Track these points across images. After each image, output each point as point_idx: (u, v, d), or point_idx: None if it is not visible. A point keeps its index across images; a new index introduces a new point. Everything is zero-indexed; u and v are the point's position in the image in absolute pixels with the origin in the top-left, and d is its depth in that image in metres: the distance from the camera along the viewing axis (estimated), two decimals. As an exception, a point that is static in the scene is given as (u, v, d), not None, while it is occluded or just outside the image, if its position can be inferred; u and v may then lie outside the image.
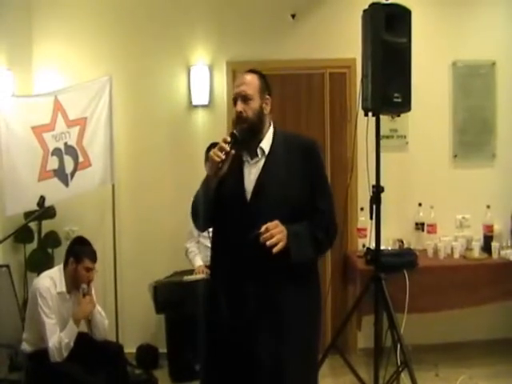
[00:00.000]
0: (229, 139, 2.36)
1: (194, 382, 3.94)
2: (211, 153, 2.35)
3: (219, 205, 2.41)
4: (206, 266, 3.96)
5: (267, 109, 2.53)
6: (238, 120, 2.46)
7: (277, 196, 2.38)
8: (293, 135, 2.63)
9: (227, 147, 2.33)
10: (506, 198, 4.67)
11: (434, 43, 4.69)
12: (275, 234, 2.25)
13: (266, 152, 2.47)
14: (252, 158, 2.47)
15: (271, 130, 2.54)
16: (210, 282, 2.61)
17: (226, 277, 2.43)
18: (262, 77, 2.57)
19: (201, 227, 2.72)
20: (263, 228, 2.24)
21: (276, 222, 2.28)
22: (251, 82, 2.51)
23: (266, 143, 2.49)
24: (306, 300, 2.47)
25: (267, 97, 2.54)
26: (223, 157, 2.31)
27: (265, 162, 2.45)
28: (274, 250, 2.24)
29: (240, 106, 2.46)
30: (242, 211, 2.39)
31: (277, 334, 2.36)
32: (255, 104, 2.47)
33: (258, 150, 2.47)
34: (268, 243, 2.23)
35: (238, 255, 2.36)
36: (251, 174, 2.44)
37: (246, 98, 2.47)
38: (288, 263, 2.31)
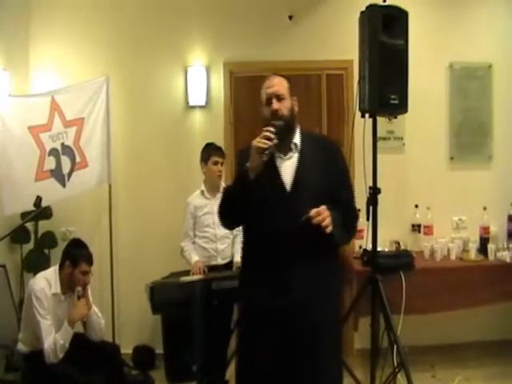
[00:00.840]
0: (272, 129, 2.52)
1: (190, 382, 3.95)
2: (255, 142, 2.50)
3: (256, 198, 2.54)
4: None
5: (296, 108, 2.73)
6: (274, 117, 2.62)
7: (313, 186, 2.59)
8: (316, 134, 2.97)
9: (272, 136, 2.50)
10: (502, 199, 4.67)
11: (431, 45, 4.71)
12: (326, 217, 2.46)
13: (299, 147, 2.67)
14: (285, 154, 2.66)
15: (299, 128, 2.74)
16: (245, 271, 2.75)
17: (265, 263, 2.58)
18: (288, 79, 2.77)
19: (232, 222, 2.82)
20: (314, 212, 2.44)
21: (324, 207, 2.47)
22: (281, 83, 2.71)
23: (297, 140, 2.69)
24: (337, 282, 2.76)
25: (294, 98, 2.73)
26: (270, 143, 2.47)
27: (299, 157, 2.65)
28: (328, 230, 2.45)
29: (276, 105, 2.64)
30: (283, 202, 2.58)
31: (316, 312, 2.58)
32: (288, 103, 2.67)
33: (292, 146, 2.67)
34: (323, 224, 2.43)
35: (280, 242, 2.53)
36: (287, 167, 2.63)
37: (280, 98, 2.66)
38: (326, 247, 2.57)
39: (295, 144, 2.67)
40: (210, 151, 4.10)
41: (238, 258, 4.07)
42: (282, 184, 2.61)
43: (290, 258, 2.54)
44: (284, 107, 2.65)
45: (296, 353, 2.55)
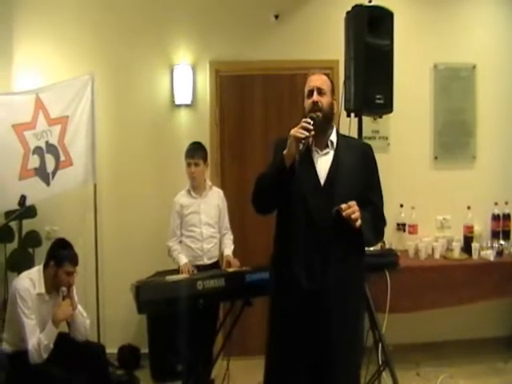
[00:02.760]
0: (310, 120, 2.60)
1: (176, 382, 3.94)
2: (293, 131, 2.56)
3: (292, 188, 2.64)
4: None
5: (335, 108, 2.87)
6: (314, 108, 2.71)
7: (346, 183, 2.69)
8: (351, 137, 3.08)
9: (310, 126, 2.57)
10: (486, 199, 4.73)
11: (416, 46, 4.75)
12: (356, 210, 2.56)
13: (335, 145, 2.77)
14: (321, 150, 2.76)
15: (335, 128, 2.85)
16: (278, 259, 2.82)
17: (296, 253, 2.67)
18: (332, 81, 2.89)
19: (266, 208, 2.85)
20: (345, 205, 2.55)
21: (354, 201, 2.58)
22: (325, 81, 2.83)
23: (333, 138, 2.80)
24: (362, 277, 2.90)
25: (335, 98, 2.88)
26: (307, 133, 2.54)
27: (335, 154, 2.76)
28: (357, 223, 2.56)
29: (316, 97, 2.74)
30: (316, 195, 2.68)
31: (345, 297, 2.69)
32: (328, 99, 2.78)
33: (329, 143, 2.77)
34: (353, 216, 2.54)
35: (311, 234, 2.64)
36: (322, 162, 2.74)
37: (321, 92, 2.76)
38: (356, 242, 2.69)
39: (331, 141, 2.77)
40: (186, 152, 4.09)
41: (228, 252, 4.07)
42: (316, 178, 2.71)
43: (323, 249, 2.64)
44: (324, 101, 2.74)
45: (322, 344, 2.65)
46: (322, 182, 2.71)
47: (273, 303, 2.85)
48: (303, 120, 2.60)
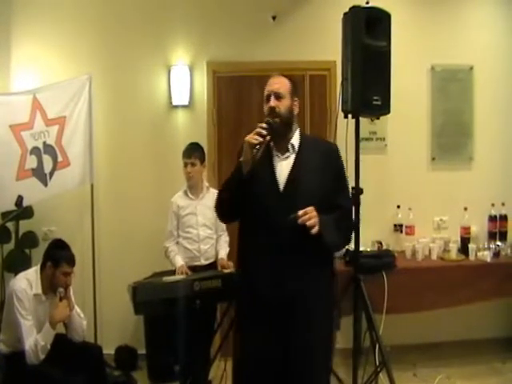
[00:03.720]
0: (265, 125, 2.58)
1: (173, 383, 3.94)
2: (247, 137, 2.55)
3: (251, 195, 2.61)
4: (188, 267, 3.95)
5: (296, 109, 2.78)
6: (271, 114, 2.67)
7: (307, 188, 2.63)
8: (316, 138, 2.99)
9: (264, 132, 2.55)
10: (482, 200, 4.73)
11: (414, 47, 4.75)
12: (312, 217, 2.50)
13: (296, 149, 2.72)
14: (282, 154, 2.71)
15: (298, 130, 2.80)
16: (241, 266, 2.82)
17: (258, 258, 2.65)
18: (292, 81, 2.80)
19: (227, 216, 2.89)
20: (301, 212, 2.49)
21: (312, 207, 2.52)
22: (283, 83, 2.75)
23: (295, 141, 2.74)
24: (328, 284, 2.79)
25: (296, 98, 2.78)
26: (261, 139, 2.53)
27: (296, 158, 2.70)
28: (313, 230, 2.50)
29: (274, 102, 2.69)
30: (275, 200, 2.63)
31: (306, 313, 2.64)
32: (286, 102, 2.71)
33: (289, 146, 2.72)
34: (308, 224, 2.48)
35: (272, 240, 2.59)
36: (282, 167, 2.69)
37: (278, 96, 2.70)
38: (318, 247, 2.59)
39: (292, 145, 2.72)
40: (183, 152, 4.10)
41: (222, 254, 4.07)
42: (275, 183, 2.66)
43: (281, 256, 2.59)
44: (282, 105, 2.68)
45: (288, 347, 2.62)
46: (281, 187, 2.66)
47: (237, 310, 2.84)
48: (258, 125, 2.58)
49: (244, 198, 2.62)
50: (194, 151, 4.07)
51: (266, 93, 2.74)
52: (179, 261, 3.97)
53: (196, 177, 4.05)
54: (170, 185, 4.39)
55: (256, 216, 2.65)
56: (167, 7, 4.71)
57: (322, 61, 4.69)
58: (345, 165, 2.95)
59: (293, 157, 2.71)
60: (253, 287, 2.66)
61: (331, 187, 2.69)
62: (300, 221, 2.48)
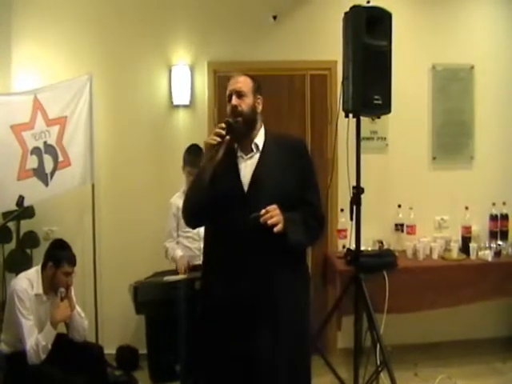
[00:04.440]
0: (223, 125, 2.54)
1: (174, 382, 3.94)
2: (206, 139, 2.53)
3: (215, 197, 2.55)
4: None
5: (259, 107, 2.73)
6: (233, 113, 2.63)
7: (272, 188, 2.57)
8: (282, 135, 2.87)
9: (222, 132, 2.50)
10: (483, 199, 4.73)
11: (414, 46, 4.75)
12: (275, 215, 2.44)
13: (260, 148, 2.66)
14: (246, 154, 2.65)
15: (263, 128, 2.74)
16: (204, 270, 2.75)
17: (223, 263, 2.59)
18: (254, 79, 2.75)
19: (193, 222, 2.83)
20: (263, 211, 2.43)
21: (274, 206, 2.46)
22: (245, 81, 2.70)
23: (259, 140, 2.68)
24: (298, 284, 2.67)
25: (259, 96, 2.73)
26: (219, 139, 2.48)
27: (260, 157, 2.64)
28: (275, 229, 2.43)
29: (235, 101, 2.64)
30: (239, 202, 2.57)
31: (272, 314, 2.56)
32: (249, 100, 2.67)
33: (253, 146, 2.66)
34: (269, 222, 2.42)
35: (236, 242, 2.53)
36: (247, 167, 2.63)
37: (240, 94, 2.65)
38: (283, 247, 2.51)
39: (256, 144, 2.67)
40: (186, 158, 4.06)
41: None
42: (239, 184, 2.60)
43: (245, 258, 2.53)
44: (244, 104, 2.64)
45: (251, 351, 2.54)
46: (246, 187, 2.59)
47: (200, 315, 2.76)
48: (217, 126, 2.55)
49: (209, 202, 2.56)
50: (199, 162, 4.01)
51: (227, 92, 2.70)
52: (179, 252, 3.96)
53: None
54: (171, 184, 4.39)
55: (221, 218, 2.58)
56: (168, 7, 4.71)
57: (323, 60, 4.68)
58: (312, 159, 2.81)
59: (257, 156, 2.64)
60: (214, 290, 2.60)
61: (297, 185, 2.62)
62: (262, 219, 2.42)
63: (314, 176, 2.76)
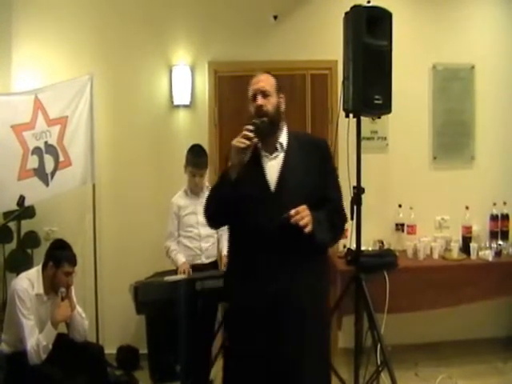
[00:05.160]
0: (251, 127, 2.51)
1: (174, 382, 3.94)
2: (234, 141, 2.49)
3: (241, 197, 2.54)
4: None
5: (283, 106, 2.71)
6: (259, 113, 2.62)
7: (298, 187, 2.58)
8: (304, 133, 2.96)
9: (251, 135, 2.48)
10: (484, 199, 4.73)
11: (415, 46, 4.75)
12: (305, 216, 2.45)
13: (285, 147, 2.66)
14: (271, 153, 2.65)
15: (285, 128, 2.73)
16: (229, 270, 2.78)
17: (250, 263, 2.59)
18: (275, 78, 2.75)
19: (216, 223, 2.82)
20: (293, 211, 2.43)
21: (304, 206, 2.47)
22: (268, 80, 2.70)
23: (283, 139, 2.68)
24: (320, 284, 2.71)
25: (282, 95, 2.72)
26: (248, 143, 2.47)
27: (285, 156, 2.64)
28: (306, 230, 2.44)
29: (261, 100, 2.63)
30: (266, 201, 2.57)
31: (298, 315, 2.58)
32: (273, 100, 2.66)
33: (278, 145, 2.65)
34: (301, 223, 2.42)
35: (263, 241, 2.53)
36: (272, 167, 2.62)
37: (265, 94, 2.64)
38: (309, 246, 2.52)
39: (281, 143, 2.66)
40: (189, 159, 4.03)
41: (225, 251, 4.05)
42: (266, 183, 2.60)
43: (272, 258, 2.54)
44: (269, 103, 2.63)
45: (281, 352, 2.55)
46: (273, 187, 2.59)
47: (228, 317, 2.78)
48: (244, 128, 2.52)
49: (233, 203, 2.55)
50: (202, 162, 4.02)
51: (251, 92, 2.69)
52: (181, 259, 3.97)
53: (202, 185, 4.05)
54: (172, 184, 4.39)
55: (247, 218, 2.58)
56: (168, 7, 4.71)
57: (323, 60, 4.69)
58: (334, 159, 2.88)
59: (281, 156, 2.64)
60: (242, 290, 2.61)
61: (321, 184, 2.64)
62: (293, 220, 2.43)
63: (336, 173, 2.81)
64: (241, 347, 2.63)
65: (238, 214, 2.59)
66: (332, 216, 2.63)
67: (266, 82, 2.67)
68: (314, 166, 2.65)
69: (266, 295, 2.54)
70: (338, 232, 2.75)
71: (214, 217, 2.71)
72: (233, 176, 2.52)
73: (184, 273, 3.85)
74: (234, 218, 2.65)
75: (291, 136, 2.71)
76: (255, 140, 2.50)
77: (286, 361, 2.56)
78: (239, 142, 2.47)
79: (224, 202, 2.58)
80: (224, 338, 2.80)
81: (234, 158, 2.50)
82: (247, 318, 2.60)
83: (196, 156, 4.04)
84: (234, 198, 2.54)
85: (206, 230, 4.04)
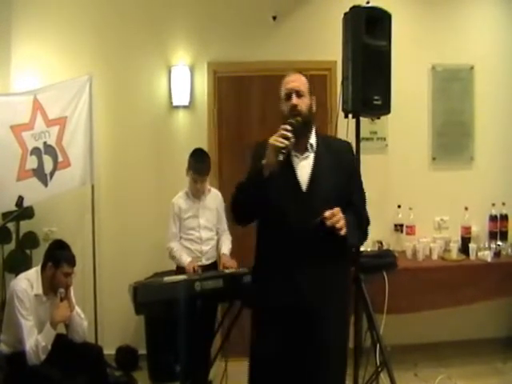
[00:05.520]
0: (289, 127, 2.48)
1: (174, 383, 3.94)
2: (272, 140, 2.46)
3: (272, 196, 2.54)
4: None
5: (314, 107, 2.71)
6: (293, 113, 2.59)
7: (328, 187, 2.59)
8: (329, 136, 2.98)
9: (289, 134, 2.46)
10: (483, 200, 4.73)
11: (414, 47, 4.75)
12: (340, 219, 2.45)
13: (314, 148, 2.66)
14: (301, 154, 2.64)
15: (314, 129, 2.73)
16: (259, 270, 2.75)
17: (281, 263, 2.59)
18: (307, 78, 2.73)
19: (243, 220, 2.76)
20: (328, 213, 2.43)
21: (338, 209, 2.47)
22: (302, 80, 2.69)
23: (313, 140, 2.68)
24: (345, 281, 2.78)
25: (313, 97, 2.71)
26: (287, 142, 2.44)
27: (315, 157, 2.64)
28: (342, 232, 2.45)
29: (296, 100, 2.60)
30: (298, 201, 2.57)
31: (329, 311, 2.61)
32: (307, 100, 2.65)
33: (308, 145, 2.65)
34: (338, 225, 2.43)
35: (295, 242, 2.54)
36: (303, 167, 2.63)
37: (299, 94, 2.63)
38: (339, 247, 2.58)
39: (311, 144, 2.66)
40: (191, 164, 3.99)
41: (224, 250, 4.05)
42: (297, 183, 2.60)
43: (303, 257, 2.55)
44: (303, 103, 2.62)
45: (306, 351, 2.58)
46: (304, 187, 2.60)
47: (257, 315, 2.76)
48: (282, 127, 2.49)
49: (263, 200, 2.55)
50: (205, 168, 3.98)
51: (285, 91, 2.66)
52: (187, 258, 3.95)
53: (204, 190, 4.04)
54: (171, 185, 4.39)
55: (278, 217, 2.58)
56: (167, 7, 4.72)
57: (323, 60, 4.69)
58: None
59: (312, 156, 2.65)
60: (273, 289, 2.61)
61: (348, 186, 2.67)
62: (329, 223, 2.43)
63: (360, 176, 2.86)
64: (270, 347, 2.62)
65: (269, 214, 2.60)
66: (358, 219, 2.65)
67: (299, 81, 2.67)
68: (342, 169, 2.67)
69: (298, 294, 2.55)
70: (363, 235, 2.78)
71: (240, 214, 2.69)
72: (265, 174, 2.50)
73: (193, 271, 3.84)
74: (263, 217, 2.66)
75: (319, 137, 2.72)
76: (293, 140, 2.48)
77: (314, 360, 2.58)
78: (278, 141, 2.44)
79: (253, 199, 2.57)
80: (251, 337, 2.78)
81: (271, 157, 2.46)
82: (278, 317, 2.59)
83: (198, 161, 3.99)
84: (263, 196, 2.53)
85: (207, 233, 4.04)
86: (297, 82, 2.66)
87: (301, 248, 2.54)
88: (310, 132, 2.67)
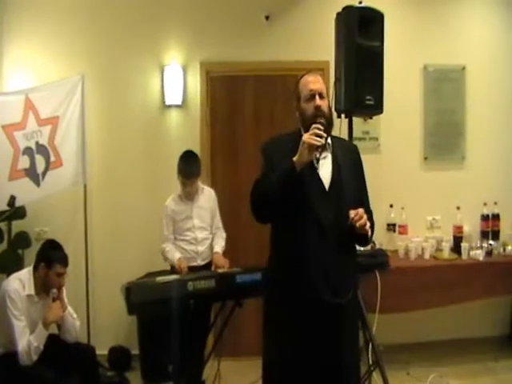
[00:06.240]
0: (322, 127, 2.52)
1: (167, 383, 3.93)
2: (307, 138, 2.47)
3: (297, 195, 2.55)
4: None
5: (332, 108, 2.80)
6: (318, 113, 2.62)
7: (347, 187, 2.65)
8: (338, 137, 2.98)
9: (324, 134, 2.50)
10: (475, 199, 4.75)
11: (406, 47, 4.77)
12: (365, 218, 2.52)
13: (331, 148, 2.70)
14: (320, 153, 2.63)
15: None
16: (279, 270, 2.70)
17: (303, 264, 2.58)
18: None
19: (269, 216, 2.72)
20: (354, 213, 2.49)
21: (362, 209, 2.53)
22: (322, 82, 2.74)
23: (329, 140, 2.70)
24: (358, 277, 2.85)
25: (329, 98, 2.78)
26: (323, 141, 2.49)
27: (332, 156, 2.68)
28: (365, 231, 2.55)
29: (319, 101, 2.64)
30: (321, 200, 2.60)
31: (349, 307, 2.65)
32: (327, 101, 2.71)
33: (327, 145, 2.67)
34: (366, 227, 2.53)
35: (318, 241, 2.56)
36: (323, 166, 2.65)
37: (322, 95, 2.68)
38: (353, 245, 2.78)
39: (329, 144, 2.69)
40: (180, 168, 3.99)
41: (217, 249, 4.05)
42: (321, 182, 2.63)
43: (326, 256, 2.57)
44: (325, 105, 2.67)
45: (333, 345, 2.59)
46: (327, 186, 2.63)
47: (273, 313, 2.71)
48: (315, 126, 2.50)
49: (289, 199, 2.54)
50: (193, 171, 3.97)
51: (307, 92, 2.69)
52: (177, 254, 3.95)
53: (194, 192, 4.03)
54: (164, 185, 4.39)
55: (303, 217, 2.59)
56: (160, 7, 4.71)
57: (316, 61, 4.68)
58: None
59: (330, 156, 2.68)
60: (295, 289, 2.59)
61: (359, 185, 2.77)
62: (358, 224, 2.49)
63: (365, 177, 2.89)
64: (296, 342, 2.60)
65: (293, 212, 2.60)
66: (370, 219, 2.70)
67: (321, 83, 2.72)
68: (355, 169, 2.76)
69: (321, 296, 2.55)
70: (372, 235, 2.84)
71: (264, 211, 2.66)
72: (295, 172, 2.50)
73: (182, 267, 3.83)
74: (287, 215, 2.63)
75: (332, 138, 2.75)
76: (325, 138, 2.53)
77: (333, 356, 2.59)
78: (314, 139, 2.46)
79: (279, 196, 2.55)
80: (264, 336, 2.74)
81: (305, 154, 2.48)
82: (311, 312, 2.57)
83: (186, 164, 3.99)
84: (289, 195, 2.53)
85: (202, 233, 4.04)
86: (319, 83, 2.71)
87: (327, 246, 2.57)
88: (330, 132, 2.72)
